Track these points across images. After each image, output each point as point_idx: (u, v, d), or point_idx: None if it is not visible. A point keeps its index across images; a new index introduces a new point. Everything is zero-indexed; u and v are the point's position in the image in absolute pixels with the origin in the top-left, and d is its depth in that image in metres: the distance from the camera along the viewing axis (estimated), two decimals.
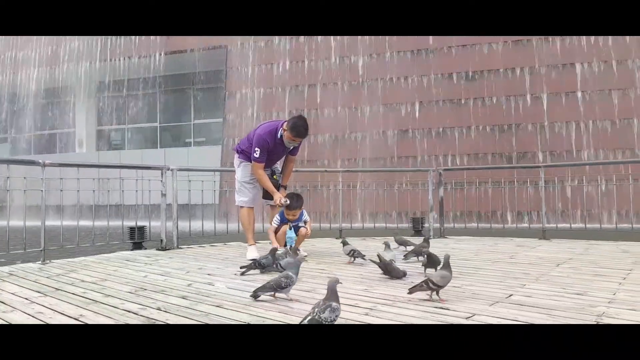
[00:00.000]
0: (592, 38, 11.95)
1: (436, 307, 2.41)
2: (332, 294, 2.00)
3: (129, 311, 2.40)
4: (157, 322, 2.20)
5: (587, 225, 6.35)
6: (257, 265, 3.46)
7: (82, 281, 3.27)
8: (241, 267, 3.54)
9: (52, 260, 4.26)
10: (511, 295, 2.69)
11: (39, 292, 2.92)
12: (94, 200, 4.89)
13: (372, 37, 13.60)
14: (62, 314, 2.38)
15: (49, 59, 17.69)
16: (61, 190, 4.68)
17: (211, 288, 2.98)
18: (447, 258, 2.68)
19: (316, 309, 1.95)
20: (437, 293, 2.56)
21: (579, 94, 11.96)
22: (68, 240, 4.90)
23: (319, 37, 14.11)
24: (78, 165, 4.87)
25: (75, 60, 17.18)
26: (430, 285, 2.53)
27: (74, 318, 2.29)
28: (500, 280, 3.15)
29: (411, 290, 2.58)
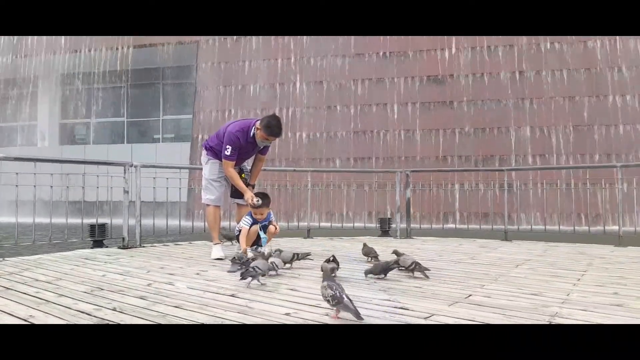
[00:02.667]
0: (558, 46, 12.35)
1: (396, 307, 2.43)
2: (327, 276, 2.30)
3: (82, 312, 2.32)
4: (111, 323, 2.13)
5: (547, 228, 6.56)
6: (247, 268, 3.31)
7: (36, 280, 3.15)
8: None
9: (6, 259, 4.09)
10: (470, 295, 2.74)
11: None
12: (51, 197, 4.71)
13: (345, 37, 13.67)
14: (10, 314, 2.28)
15: (10, 47, 16.99)
16: (16, 186, 4.50)
17: (171, 288, 2.92)
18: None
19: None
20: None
21: (544, 100, 12.34)
22: (24, 237, 4.71)
23: (292, 37, 14.07)
24: (35, 160, 4.68)
25: (39, 51, 16.56)
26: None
27: (23, 319, 2.20)
28: (461, 281, 3.20)
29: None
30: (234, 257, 3.56)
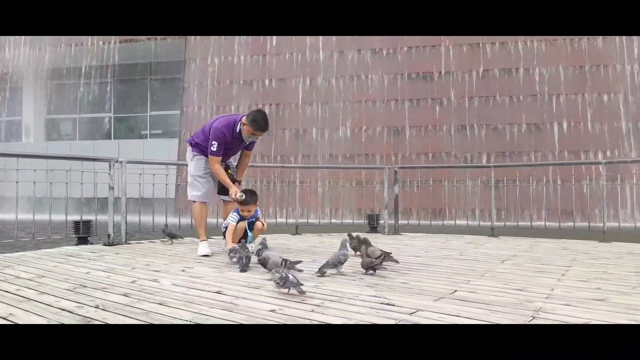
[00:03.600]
0: (544, 44, 12.46)
1: (382, 304, 2.43)
2: (343, 246, 3.29)
3: (63, 309, 2.28)
4: (93, 321, 2.10)
5: (533, 224, 6.63)
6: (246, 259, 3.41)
7: (17, 277, 3.10)
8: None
9: None
10: (456, 291, 2.75)
11: None
12: (34, 193, 4.64)
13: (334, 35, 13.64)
14: None
15: None
16: None
17: (156, 285, 2.89)
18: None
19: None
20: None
21: (531, 97, 12.44)
22: (5, 234, 4.63)
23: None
24: (17, 156, 4.60)
25: (23, 45, 16.27)
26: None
27: (2, 317, 2.15)
28: (447, 277, 3.22)
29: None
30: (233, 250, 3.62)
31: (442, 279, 3.13)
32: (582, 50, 12.28)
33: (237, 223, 4.30)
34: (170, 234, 5.10)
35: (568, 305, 2.41)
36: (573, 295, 2.65)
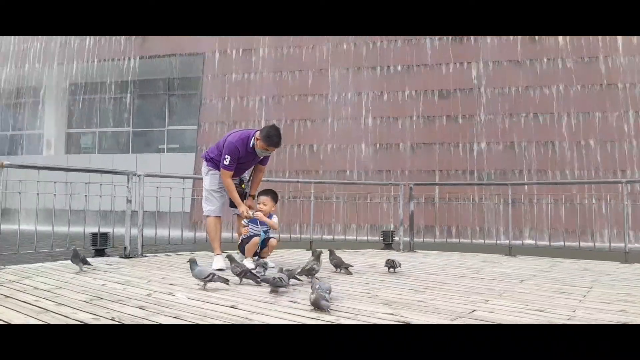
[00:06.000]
0: (562, 60, 12.38)
1: (398, 322, 2.39)
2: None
3: (80, 321, 2.29)
4: (106, 324, 2.10)
5: (552, 243, 6.49)
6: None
7: (36, 289, 3.13)
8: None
9: (7, 266, 4.08)
10: (474, 310, 2.70)
11: None
12: (54, 205, 4.71)
13: (348, 51, 13.76)
14: (8, 323, 2.26)
15: (17, 57, 17.18)
16: (20, 193, 4.50)
17: (171, 298, 2.89)
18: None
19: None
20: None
21: (549, 115, 12.32)
22: (26, 245, 4.70)
23: (296, 49, 14.17)
24: (39, 168, 4.69)
25: (45, 60, 16.74)
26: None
27: None
28: (464, 296, 3.16)
29: None
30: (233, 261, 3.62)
31: (459, 298, 3.07)
32: (599, 67, 12.17)
33: (247, 238, 4.34)
34: (84, 260, 3.98)
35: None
36: (596, 317, 2.58)
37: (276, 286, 3.02)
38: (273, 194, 4.51)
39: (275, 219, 4.48)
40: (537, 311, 2.71)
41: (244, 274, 3.35)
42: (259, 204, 4.39)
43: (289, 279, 3.20)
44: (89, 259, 4.10)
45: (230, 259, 3.59)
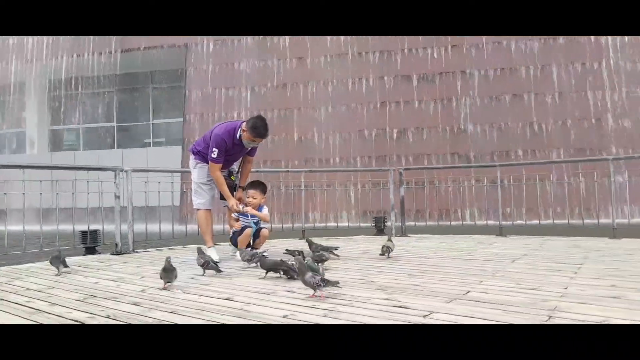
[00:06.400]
0: (542, 41, 12.43)
1: (394, 306, 2.40)
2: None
3: (75, 320, 2.27)
4: (103, 324, 2.08)
5: (542, 222, 6.58)
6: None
7: (27, 289, 3.09)
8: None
9: None
10: (468, 292, 2.72)
11: None
12: (41, 204, 4.64)
13: (332, 38, 13.66)
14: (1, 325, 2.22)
15: None
16: (5, 194, 4.42)
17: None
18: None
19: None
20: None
21: (532, 96, 12.41)
22: (13, 246, 4.63)
23: (280, 37, 14.04)
24: (23, 167, 4.60)
25: (25, 57, 16.37)
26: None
27: None
28: (459, 277, 3.19)
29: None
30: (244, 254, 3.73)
31: (454, 280, 3.10)
32: (584, 47, 12.25)
33: (244, 229, 4.33)
34: (64, 262, 3.75)
35: (584, 303, 2.38)
36: (588, 293, 2.62)
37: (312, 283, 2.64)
38: (261, 186, 4.50)
39: (265, 210, 4.48)
40: (530, 289, 2.75)
41: (206, 264, 3.44)
42: (248, 197, 4.38)
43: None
44: (75, 258, 4.05)
45: (199, 251, 3.62)
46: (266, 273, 3.29)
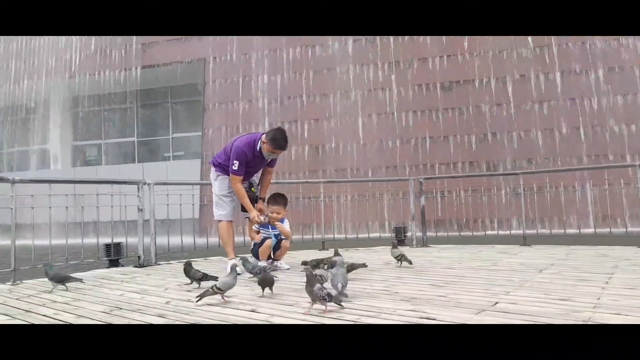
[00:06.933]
0: (564, 47, 12.28)
1: (422, 318, 2.36)
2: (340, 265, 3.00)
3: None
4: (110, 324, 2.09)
5: (567, 231, 6.43)
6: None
7: (54, 302, 3.13)
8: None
9: (23, 281, 4.09)
10: (497, 303, 2.66)
11: (6, 314, 2.77)
12: (67, 218, 4.72)
13: (352, 48, 13.73)
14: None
15: (21, 73, 17.31)
16: (32, 208, 4.51)
17: (190, 305, 2.88)
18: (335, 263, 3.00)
19: None
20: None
21: (552, 103, 12.22)
22: (40, 259, 4.70)
23: (297, 50, 14.16)
24: (50, 182, 4.70)
25: (48, 75, 16.84)
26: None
27: None
28: (485, 288, 3.12)
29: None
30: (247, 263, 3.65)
31: (480, 291, 3.04)
32: (595, 51, 12.05)
33: (264, 240, 4.33)
34: (58, 277, 3.54)
35: (619, 314, 2.30)
36: (622, 303, 2.53)
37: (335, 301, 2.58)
38: (284, 200, 4.48)
39: (286, 224, 4.46)
40: (561, 300, 2.67)
41: (260, 270, 3.30)
42: (272, 213, 4.36)
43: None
44: (99, 271, 4.08)
45: (244, 260, 3.58)
46: (262, 290, 3.09)
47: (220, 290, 2.86)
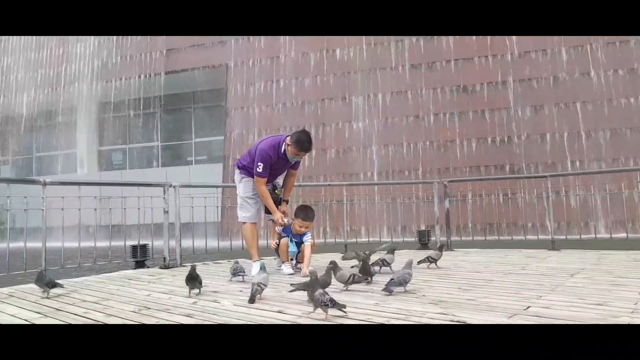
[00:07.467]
0: (589, 49, 12.01)
1: (452, 322, 2.31)
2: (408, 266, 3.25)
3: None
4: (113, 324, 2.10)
5: (598, 235, 6.25)
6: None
7: (84, 301, 3.18)
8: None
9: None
10: (529, 307, 2.59)
11: (39, 312, 2.82)
12: (96, 220, 4.81)
13: (373, 52, 13.71)
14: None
15: (50, 80, 17.81)
16: (62, 209, 4.61)
17: (217, 305, 2.89)
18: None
19: None
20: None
21: (579, 105, 11.95)
22: (69, 260, 4.80)
23: (318, 54, 14.21)
24: (79, 184, 4.80)
25: (75, 82, 17.30)
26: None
27: None
28: (515, 292, 3.05)
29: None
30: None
31: (511, 295, 2.96)
32: (631, 52, 11.74)
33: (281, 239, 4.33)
34: (50, 283, 3.38)
35: None
36: None
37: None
38: (314, 216, 4.39)
39: (309, 237, 4.32)
40: (596, 305, 2.59)
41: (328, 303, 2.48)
42: (300, 227, 4.29)
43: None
44: (127, 271, 4.14)
45: (334, 267, 3.21)
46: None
47: (264, 286, 3.03)
